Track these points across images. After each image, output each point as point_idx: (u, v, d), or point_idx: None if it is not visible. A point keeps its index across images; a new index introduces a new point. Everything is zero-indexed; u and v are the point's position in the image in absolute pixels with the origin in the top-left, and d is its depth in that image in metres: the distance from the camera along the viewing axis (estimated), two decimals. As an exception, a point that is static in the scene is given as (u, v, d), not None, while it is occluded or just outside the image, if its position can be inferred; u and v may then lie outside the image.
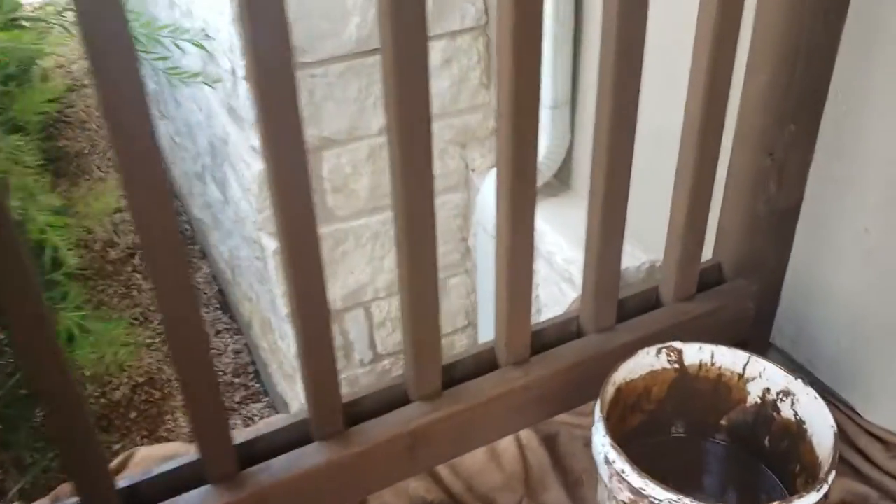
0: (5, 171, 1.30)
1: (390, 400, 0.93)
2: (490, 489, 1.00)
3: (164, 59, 1.55)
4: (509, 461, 1.03)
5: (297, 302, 0.80)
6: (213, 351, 2.60)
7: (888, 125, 0.88)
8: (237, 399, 2.42)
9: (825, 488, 0.74)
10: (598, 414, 0.83)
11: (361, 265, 1.72)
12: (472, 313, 1.91)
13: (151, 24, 1.56)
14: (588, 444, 0.86)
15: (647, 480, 0.75)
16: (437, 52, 1.56)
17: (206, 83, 1.56)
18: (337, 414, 0.89)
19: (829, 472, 0.76)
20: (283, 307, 1.71)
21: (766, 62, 0.93)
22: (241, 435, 0.88)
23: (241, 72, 1.45)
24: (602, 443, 0.80)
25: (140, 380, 2.41)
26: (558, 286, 1.49)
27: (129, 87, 0.63)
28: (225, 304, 2.72)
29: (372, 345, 1.84)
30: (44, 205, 1.35)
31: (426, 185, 0.80)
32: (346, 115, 1.56)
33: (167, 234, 0.70)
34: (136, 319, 2.58)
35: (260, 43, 0.66)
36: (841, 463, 0.98)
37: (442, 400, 0.93)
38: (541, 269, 1.53)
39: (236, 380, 2.48)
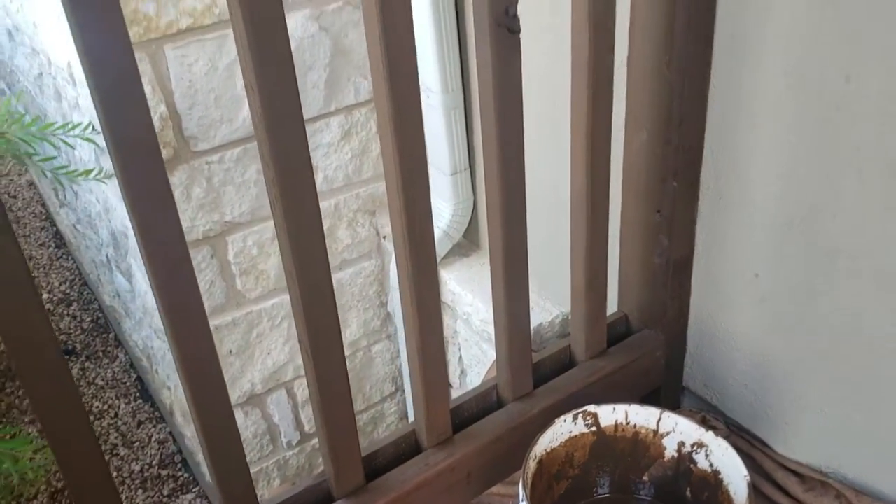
0: None
1: (314, 500, 0.91)
2: (426, 575, 0.98)
3: (51, 158, 1.51)
4: (442, 542, 1.01)
5: (193, 397, 0.78)
6: (135, 443, 2.50)
7: (762, 175, 0.93)
8: (166, 492, 2.32)
9: (744, 541, 0.76)
10: (521, 491, 0.83)
11: (279, 345, 1.69)
12: (399, 378, 1.90)
13: (39, 120, 1.52)
14: (517, 516, 0.86)
15: (573, 557, 0.75)
16: (335, 126, 1.57)
17: (98, 179, 1.52)
18: (260, 524, 0.86)
19: (746, 523, 0.78)
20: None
21: (643, 125, 0.97)
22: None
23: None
24: (527, 521, 0.80)
25: (59, 485, 2.29)
26: (479, 346, 1.49)
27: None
28: (145, 393, 2.62)
29: (298, 425, 1.80)
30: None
31: (322, 264, 0.79)
32: (248, 198, 1.54)
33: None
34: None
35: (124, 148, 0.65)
36: (761, 498, 1.01)
37: (367, 495, 0.92)
38: (461, 330, 1.54)
39: (163, 472, 2.38)
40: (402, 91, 0.76)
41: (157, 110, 1.38)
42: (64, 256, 3.37)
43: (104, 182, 1.57)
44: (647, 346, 1.10)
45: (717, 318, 1.06)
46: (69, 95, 1.77)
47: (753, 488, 0.82)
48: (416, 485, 0.93)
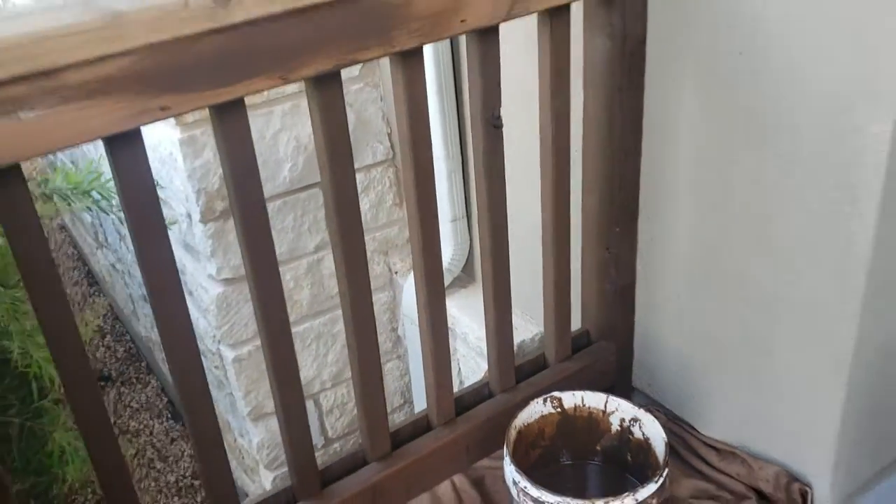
0: (7, 321, 1.57)
1: (353, 463, 1.23)
2: (435, 524, 1.31)
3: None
4: (447, 500, 1.34)
5: (277, 386, 1.11)
6: (169, 458, 2.80)
7: (679, 223, 1.28)
8: (199, 499, 2.62)
9: (661, 479, 1.09)
10: (506, 450, 1.16)
11: (308, 362, 2.01)
12: (408, 392, 2.22)
13: (100, 177, 1.86)
14: (505, 480, 1.18)
15: (542, 491, 1.08)
16: (357, 182, 1.92)
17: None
18: (313, 478, 1.19)
19: (662, 469, 1.11)
20: (243, 408, 1.98)
21: (594, 189, 1.32)
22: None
23: (196, 216, 1.77)
24: (510, 470, 1.13)
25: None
26: (475, 360, 1.83)
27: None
28: (176, 414, 2.93)
29: (323, 431, 2.12)
30: (40, 342, 1.61)
31: (365, 282, 1.13)
32: (286, 241, 1.88)
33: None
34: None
35: (243, 198, 0.99)
36: (687, 467, 1.34)
37: (392, 459, 1.24)
38: (459, 347, 1.87)
39: (196, 482, 2.68)
40: (422, 158, 1.11)
41: (217, 171, 1.74)
42: (96, 293, 3.70)
43: (170, 228, 1.91)
44: (603, 353, 1.43)
45: (653, 331, 1.40)
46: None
47: (676, 453, 1.15)
48: (428, 452, 1.26)
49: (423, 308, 1.21)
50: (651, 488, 1.08)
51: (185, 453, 2.80)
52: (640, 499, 1.07)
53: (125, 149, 0.88)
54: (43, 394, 1.78)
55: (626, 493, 1.07)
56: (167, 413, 2.96)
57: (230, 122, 0.95)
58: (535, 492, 1.09)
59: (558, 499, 1.07)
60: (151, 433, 2.90)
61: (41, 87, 0.78)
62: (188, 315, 1.01)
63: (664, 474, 1.11)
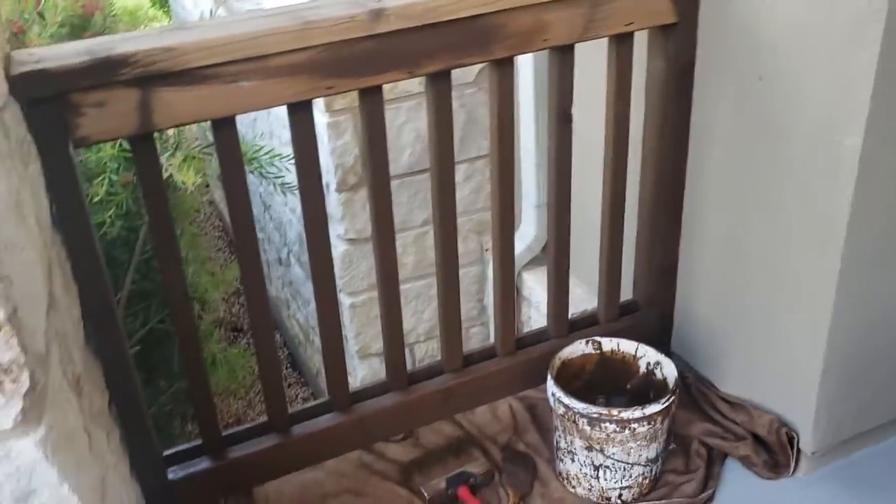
0: (188, 249, 2.05)
1: (435, 370, 1.61)
2: (493, 432, 1.66)
3: (280, 177, 2.31)
4: (504, 416, 1.69)
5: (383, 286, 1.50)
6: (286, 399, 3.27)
7: (712, 210, 1.58)
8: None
9: (666, 402, 1.41)
10: (549, 373, 1.51)
11: (407, 317, 2.41)
12: (489, 357, 2.58)
13: (270, 152, 2.33)
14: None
15: (572, 399, 1.42)
16: (461, 171, 2.31)
17: (305, 192, 2.32)
18: (403, 376, 1.58)
19: (669, 395, 1.42)
20: (353, 347, 2.40)
21: (649, 178, 1.64)
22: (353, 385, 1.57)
23: (332, 186, 2.20)
24: (550, 384, 1.48)
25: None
26: (540, 324, 2.17)
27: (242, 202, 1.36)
28: (294, 363, 3.41)
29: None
30: (209, 269, 2.08)
31: (453, 249, 1.51)
32: (399, 214, 2.29)
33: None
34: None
35: (375, 170, 1.39)
36: (703, 416, 1.63)
37: (463, 372, 1.61)
38: (532, 315, 2.22)
39: (305, 421, 3.14)
40: (506, 145, 1.48)
41: (353, 151, 2.17)
42: (235, 259, 4.27)
43: (308, 195, 2.36)
44: (646, 319, 1.75)
45: (690, 303, 1.71)
46: (283, 136, 2.61)
47: (697, 405, 1.48)
48: (491, 372, 1.62)
49: (496, 255, 1.57)
50: (656, 407, 1.40)
51: (299, 396, 3.26)
52: (647, 413, 1.39)
53: (301, 114, 1.30)
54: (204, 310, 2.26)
55: (636, 407, 1.39)
56: (287, 363, 3.44)
57: (371, 102, 1.35)
58: (566, 399, 1.43)
59: (583, 405, 1.41)
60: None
61: (254, 67, 1.21)
62: (330, 249, 1.43)
63: (670, 399, 1.42)
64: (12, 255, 0.86)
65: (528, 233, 2.20)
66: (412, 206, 2.31)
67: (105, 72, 1.11)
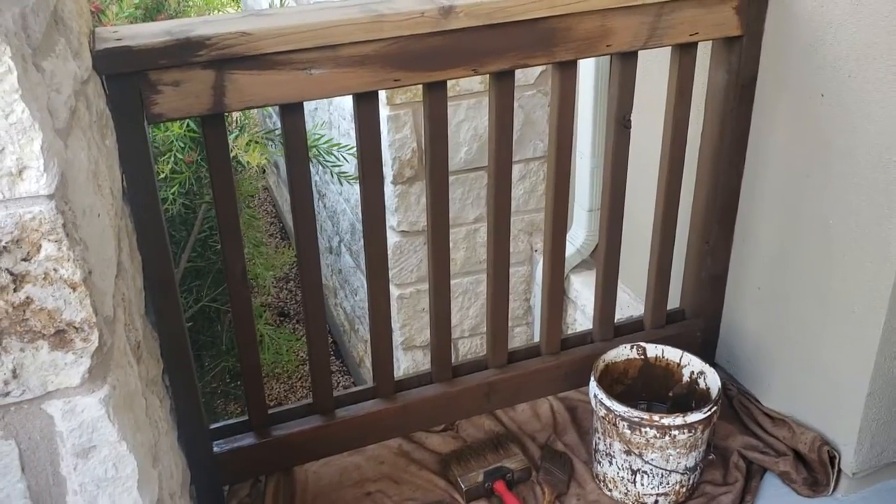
0: (245, 230, 2.11)
1: (478, 365, 1.63)
2: (532, 430, 1.67)
3: (338, 166, 2.35)
4: (545, 415, 1.70)
5: (434, 287, 1.53)
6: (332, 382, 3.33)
7: (763, 227, 1.57)
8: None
9: (708, 411, 1.40)
10: (592, 375, 1.51)
11: (453, 313, 2.43)
12: (530, 358, 2.59)
13: (329, 142, 2.37)
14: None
15: (613, 401, 1.43)
16: (516, 171, 2.32)
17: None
18: (447, 368, 1.60)
19: (711, 405, 1.42)
20: (398, 338, 2.44)
21: (703, 188, 1.64)
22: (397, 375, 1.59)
23: (388, 178, 2.24)
24: (592, 386, 1.49)
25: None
26: (584, 326, 2.17)
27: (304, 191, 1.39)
28: (337, 352, 3.46)
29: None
30: (262, 252, 2.14)
31: (506, 246, 1.53)
32: (453, 210, 2.30)
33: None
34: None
35: (435, 162, 1.42)
36: (745, 430, 1.63)
37: (507, 368, 1.63)
38: (578, 318, 2.22)
39: (344, 408, 3.19)
40: (564, 146, 1.49)
41: (411, 145, 2.20)
42: (286, 245, 4.35)
43: (363, 185, 2.40)
44: (691, 328, 1.74)
45: (737, 315, 1.70)
46: (342, 127, 2.65)
47: (739, 419, 1.47)
48: (534, 370, 1.63)
49: (547, 255, 1.59)
50: (698, 416, 1.40)
51: (340, 385, 3.31)
52: (688, 420, 1.39)
53: (367, 104, 1.33)
54: (254, 292, 2.32)
55: (678, 414, 1.39)
56: (330, 350, 3.49)
57: (436, 97, 1.38)
58: (608, 402, 1.44)
59: (624, 408, 1.42)
60: (314, 364, 3.44)
61: (326, 56, 1.24)
62: (385, 238, 1.46)
63: (712, 409, 1.42)
64: (90, 220, 0.90)
65: (578, 236, 2.20)
66: (465, 202, 2.33)
67: (183, 52, 1.16)
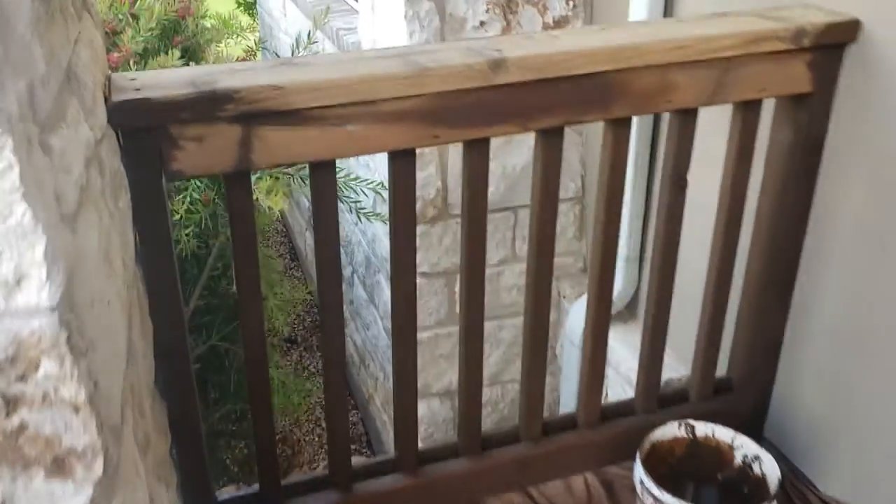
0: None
1: (509, 436, 1.51)
2: (565, 508, 1.55)
3: (358, 202, 2.23)
4: (578, 492, 1.57)
5: (465, 357, 1.41)
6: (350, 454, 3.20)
7: (827, 297, 1.45)
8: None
9: (767, 508, 1.28)
10: (638, 456, 1.39)
11: (475, 359, 2.31)
12: (555, 406, 2.47)
13: (347, 176, 2.26)
14: (633, 489, 1.40)
15: (662, 491, 1.30)
16: (545, 212, 2.20)
17: (381, 220, 2.24)
18: (476, 440, 1.47)
19: (771, 500, 1.29)
20: (414, 384, 2.32)
21: (760, 250, 1.51)
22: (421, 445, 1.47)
23: (411, 217, 2.12)
24: (638, 471, 1.36)
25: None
26: (622, 387, 2.05)
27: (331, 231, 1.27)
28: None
29: (474, 421, 2.41)
30: (277, 292, 2.02)
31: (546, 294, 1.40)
32: (478, 251, 2.19)
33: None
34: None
35: (472, 219, 1.30)
36: (800, 517, 1.49)
37: (541, 442, 1.51)
38: (610, 374, 2.09)
39: (353, 445, 3.06)
40: (614, 204, 1.37)
41: (436, 185, 2.08)
42: (295, 268, 4.23)
43: (383, 222, 2.28)
44: (741, 400, 1.62)
45: (791, 387, 1.57)
46: (361, 159, 2.53)
47: (781, 487, 1.33)
48: (570, 445, 1.51)
49: (590, 325, 1.46)
50: (758, 513, 1.27)
51: (350, 421, 3.19)
52: (746, 518, 1.27)
53: (403, 162, 1.21)
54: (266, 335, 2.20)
55: (735, 510, 1.27)
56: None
57: (477, 154, 1.26)
58: (656, 491, 1.31)
59: (675, 500, 1.29)
60: (322, 395, 3.32)
61: (363, 111, 1.12)
62: (415, 284, 1.34)
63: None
64: (98, 312, 0.78)
65: (615, 285, 2.07)
66: (490, 243, 2.21)
67: (208, 106, 1.04)
